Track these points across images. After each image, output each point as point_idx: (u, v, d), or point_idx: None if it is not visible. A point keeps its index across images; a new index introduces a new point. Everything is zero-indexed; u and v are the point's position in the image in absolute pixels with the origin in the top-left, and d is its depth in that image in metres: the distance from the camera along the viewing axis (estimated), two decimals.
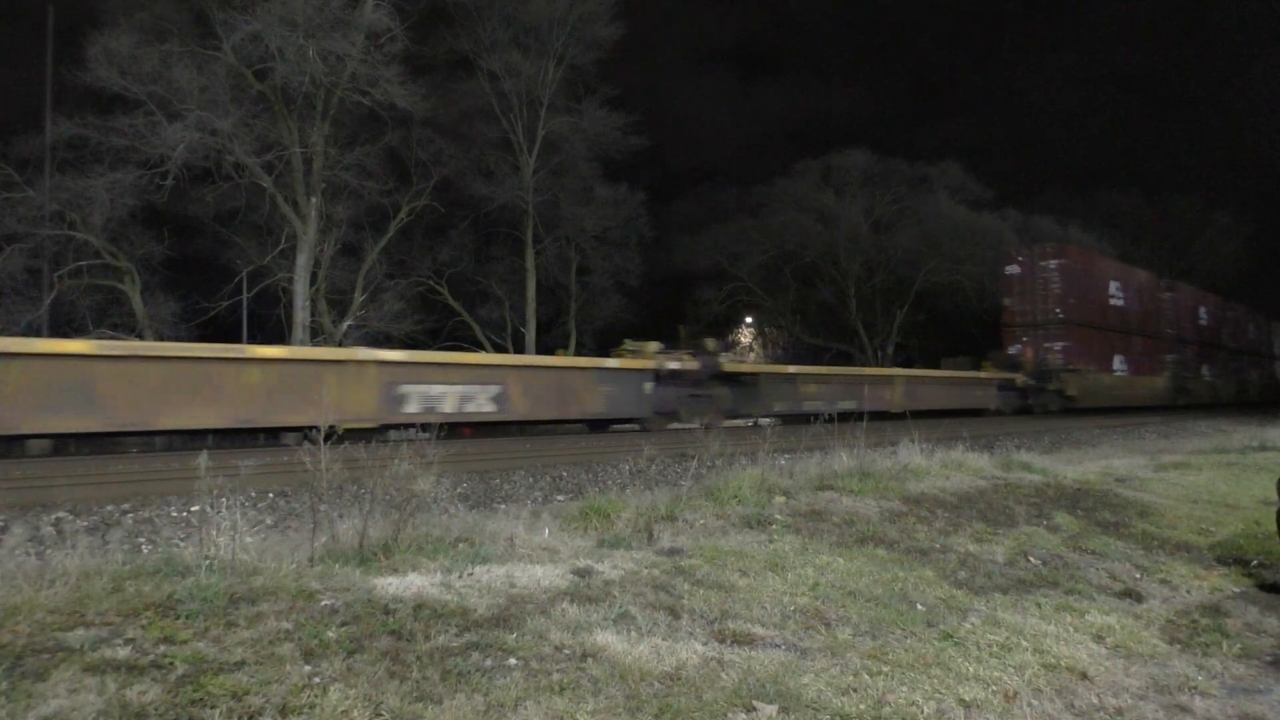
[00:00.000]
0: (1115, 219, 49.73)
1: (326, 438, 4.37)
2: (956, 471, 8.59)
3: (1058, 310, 27.34)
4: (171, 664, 2.73)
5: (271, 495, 7.11)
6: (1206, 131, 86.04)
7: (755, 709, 2.98)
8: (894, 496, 7.11)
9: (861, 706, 3.09)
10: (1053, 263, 27.77)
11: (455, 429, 13.10)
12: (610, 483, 8.73)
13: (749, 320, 43.74)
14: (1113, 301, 30.52)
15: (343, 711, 2.59)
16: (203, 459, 4.06)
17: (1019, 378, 25.60)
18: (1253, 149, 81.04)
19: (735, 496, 6.43)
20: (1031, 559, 5.82)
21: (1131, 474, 10.41)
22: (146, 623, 2.99)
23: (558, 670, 3.09)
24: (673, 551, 4.92)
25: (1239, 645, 4.29)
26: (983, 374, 25.11)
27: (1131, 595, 5.17)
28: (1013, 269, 28.70)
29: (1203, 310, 39.95)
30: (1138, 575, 5.74)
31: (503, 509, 6.48)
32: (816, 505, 6.52)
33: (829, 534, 5.81)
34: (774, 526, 5.80)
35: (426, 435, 5.57)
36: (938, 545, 5.87)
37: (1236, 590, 5.49)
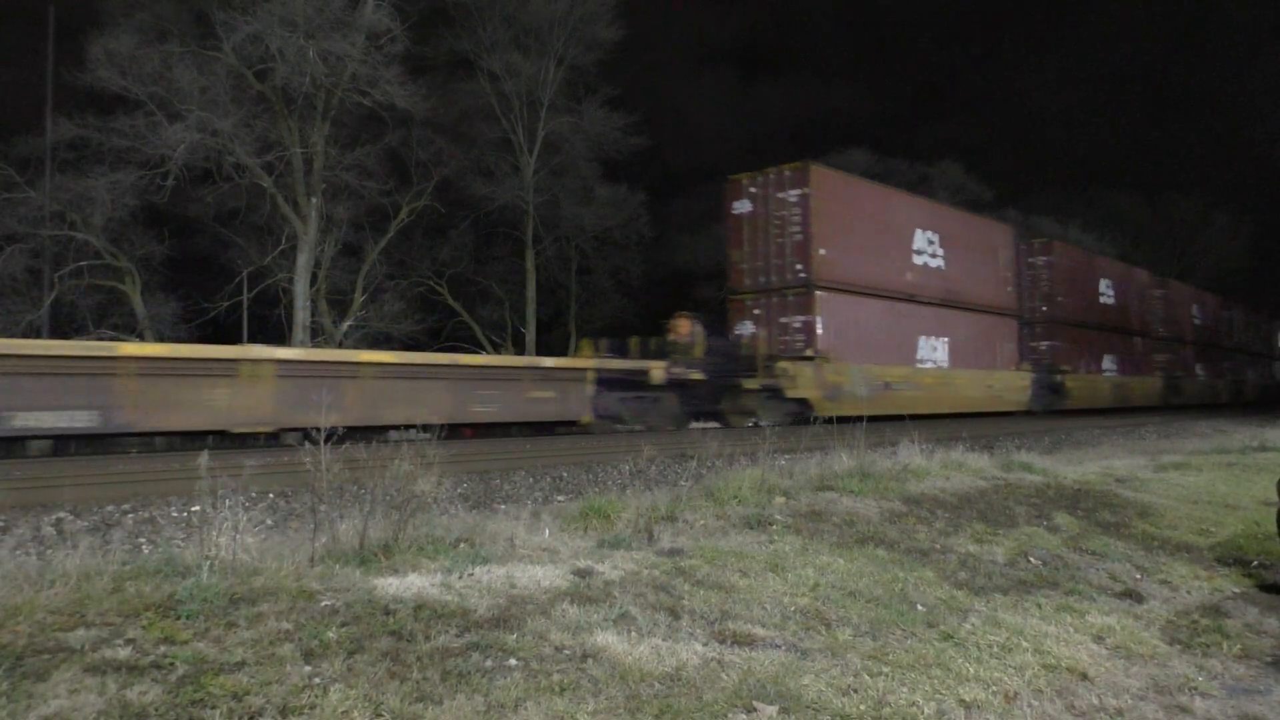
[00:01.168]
0: (1115, 219, 49.77)
1: (328, 438, 4.37)
2: (957, 472, 8.58)
3: (799, 268, 17.57)
4: (172, 664, 2.74)
5: (272, 495, 7.11)
6: (1206, 131, 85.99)
7: (755, 709, 2.98)
8: (894, 497, 7.11)
9: (862, 707, 3.09)
10: (793, 193, 17.65)
11: (456, 429, 12.89)
12: (610, 483, 8.73)
13: None
14: (920, 260, 20.82)
15: (343, 712, 2.59)
16: (203, 459, 4.06)
17: (658, 369, 15.12)
18: (1253, 149, 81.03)
19: (735, 497, 6.43)
20: (1032, 559, 5.82)
21: (1132, 474, 10.40)
22: (147, 623, 2.99)
23: (558, 671, 3.09)
24: (673, 552, 4.92)
25: (1239, 646, 4.30)
26: (550, 363, 14.11)
27: (1132, 596, 5.17)
28: (742, 206, 18.55)
29: (1105, 284, 29.66)
30: (1138, 576, 5.74)
31: (503, 509, 6.48)
32: (817, 505, 6.52)
33: (829, 534, 5.81)
34: (774, 527, 5.80)
35: (427, 435, 5.57)
36: (938, 546, 5.87)
37: (1236, 591, 5.49)
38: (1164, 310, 34.44)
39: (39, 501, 6.43)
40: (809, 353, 17.45)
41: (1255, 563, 6.12)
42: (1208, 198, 55.86)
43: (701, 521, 5.80)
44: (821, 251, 17.68)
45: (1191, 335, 36.91)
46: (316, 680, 2.76)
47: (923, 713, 3.11)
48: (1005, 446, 11.63)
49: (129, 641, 2.86)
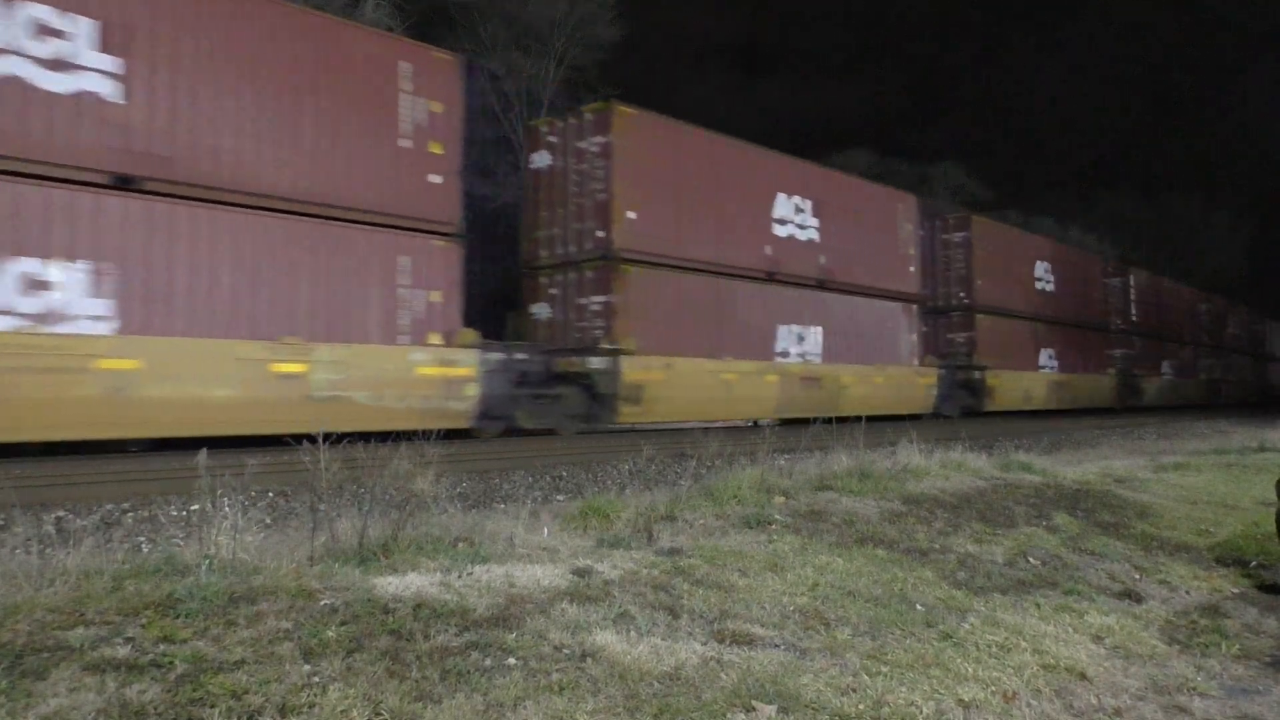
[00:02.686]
0: (1116, 220, 49.83)
1: (325, 438, 4.37)
2: (956, 472, 8.59)
3: None
4: (171, 663, 2.74)
5: (271, 494, 7.12)
6: (1206, 131, 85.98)
7: (754, 709, 2.98)
8: (893, 497, 7.11)
9: (861, 707, 3.09)
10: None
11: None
12: (610, 483, 8.74)
13: None
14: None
15: (342, 711, 2.59)
16: (202, 457, 4.06)
17: None
18: (1253, 149, 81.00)
19: (735, 496, 6.43)
20: (1031, 559, 5.82)
21: (1131, 475, 10.40)
22: (146, 622, 3.00)
23: (557, 670, 3.10)
24: (672, 551, 4.93)
25: (1238, 646, 4.30)
26: None
27: (1131, 596, 5.17)
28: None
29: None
30: (1137, 576, 5.74)
31: (502, 509, 6.48)
32: (816, 505, 6.53)
33: (828, 534, 5.81)
34: (773, 526, 5.80)
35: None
36: (937, 546, 5.88)
37: (1235, 591, 5.49)
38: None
39: (39, 501, 6.43)
40: None
41: (1254, 563, 6.12)
42: (1208, 198, 55.96)
43: (701, 521, 5.81)
44: None
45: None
46: (315, 679, 2.76)
47: (921, 712, 3.11)
48: (1004, 447, 11.64)
49: (128, 640, 2.86)
